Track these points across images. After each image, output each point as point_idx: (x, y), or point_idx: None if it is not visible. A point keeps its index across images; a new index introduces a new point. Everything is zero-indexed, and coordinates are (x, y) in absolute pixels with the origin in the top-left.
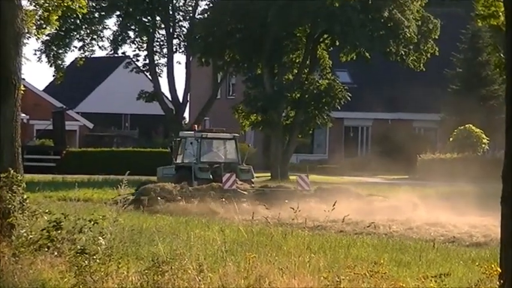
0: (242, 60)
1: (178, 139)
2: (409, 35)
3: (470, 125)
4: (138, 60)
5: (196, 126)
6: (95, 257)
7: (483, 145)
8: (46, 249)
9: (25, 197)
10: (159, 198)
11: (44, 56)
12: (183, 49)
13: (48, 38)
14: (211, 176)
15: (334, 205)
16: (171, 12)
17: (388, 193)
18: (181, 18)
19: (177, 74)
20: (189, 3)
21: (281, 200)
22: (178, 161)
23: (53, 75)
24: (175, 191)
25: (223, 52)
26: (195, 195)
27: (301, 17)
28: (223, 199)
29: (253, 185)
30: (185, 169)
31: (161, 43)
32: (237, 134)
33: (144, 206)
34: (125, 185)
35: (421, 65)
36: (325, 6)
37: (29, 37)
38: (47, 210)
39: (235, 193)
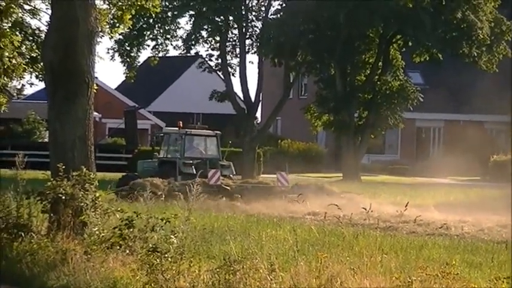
0: (314, 60)
1: (161, 135)
2: (482, 37)
3: None
4: (211, 60)
5: (181, 123)
6: (166, 256)
7: None
8: (118, 248)
9: (97, 195)
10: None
11: (117, 54)
12: (255, 49)
13: (121, 37)
14: (194, 171)
15: (406, 206)
16: (243, 12)
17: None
18: (254, 19)
19: (250, 73)
20: (262, 3)
21: (262, 195)
22: (161, 155)
23: (124, 73)
24: (163, 186)
25: (295, 52)
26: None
27: (372, 18)
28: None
29: (234, 181)
30: (169, 164)
31: (234, 43)
32: (218, 132)
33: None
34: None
35: (494, 66)
36: (397, 7)
37: (102, 36)
38: (119, 209)
39: (219, 189)
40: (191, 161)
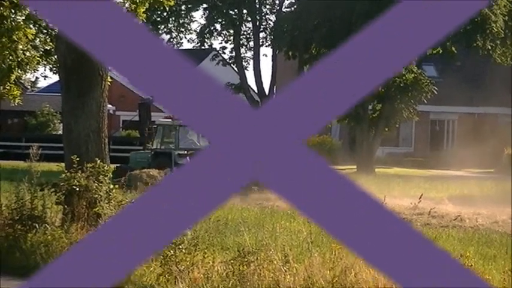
0: (328, 53)
1: (155, 126)
2: (496, 30)
3: None
4: (224, 53)
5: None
6: (180, 247)
7: None
8: None
9: (111, 186)
10: None
11: None
12: (269, 42)
13: None
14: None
15: (420, 198)
16: (257, 5)
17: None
18: (268, 12)
19: (263, 66)
20: None
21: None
22: (154, 147)
23: None
24: (159, 177)
25: (309, 45)
26: None
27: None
28: None
29: None
30: (164, 155)
31: (248, 36)
32: None
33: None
34: None
35: (508, 59)
36: None
37: None
38: (132, 200)
39: None
40: (185, 152)
